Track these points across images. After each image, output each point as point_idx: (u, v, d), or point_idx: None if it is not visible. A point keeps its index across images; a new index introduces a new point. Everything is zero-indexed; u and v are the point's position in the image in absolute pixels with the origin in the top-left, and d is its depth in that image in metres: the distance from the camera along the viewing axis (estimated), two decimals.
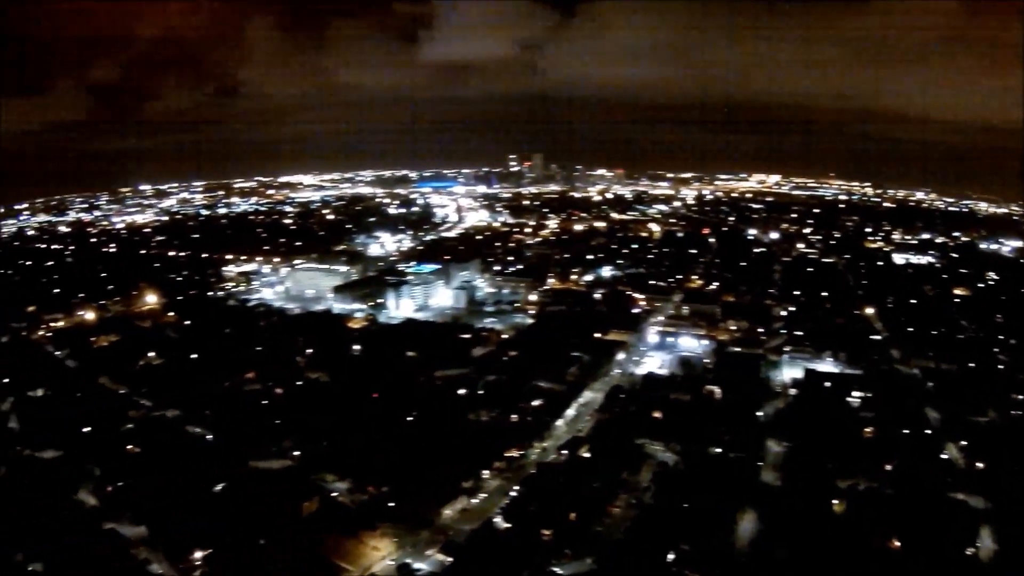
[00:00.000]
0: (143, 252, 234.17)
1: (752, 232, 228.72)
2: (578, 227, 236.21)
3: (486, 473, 76.89)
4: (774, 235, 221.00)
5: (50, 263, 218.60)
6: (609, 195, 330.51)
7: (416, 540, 66.57)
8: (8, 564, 63.69)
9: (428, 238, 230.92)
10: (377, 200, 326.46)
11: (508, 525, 67.40)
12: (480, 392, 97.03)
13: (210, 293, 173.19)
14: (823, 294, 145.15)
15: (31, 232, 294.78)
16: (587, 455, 79.70)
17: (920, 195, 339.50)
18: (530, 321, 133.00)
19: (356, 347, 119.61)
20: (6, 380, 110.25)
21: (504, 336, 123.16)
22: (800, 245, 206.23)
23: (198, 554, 65.19)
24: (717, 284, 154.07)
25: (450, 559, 62.32)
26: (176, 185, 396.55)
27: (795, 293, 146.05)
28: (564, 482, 72.75)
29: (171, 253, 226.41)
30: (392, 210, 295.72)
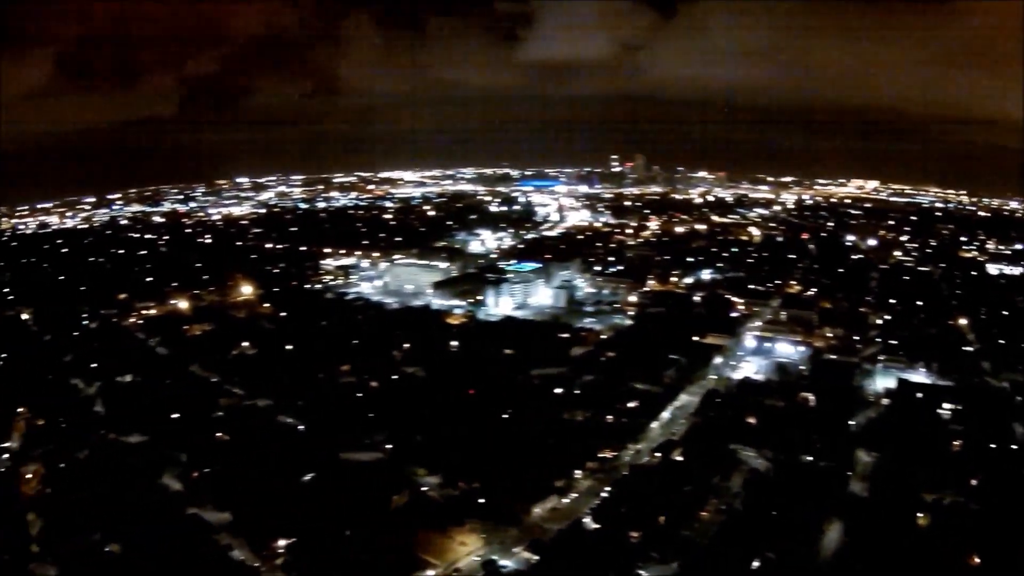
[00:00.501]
0: (239, 243, 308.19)
1: (850, 238, 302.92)
2: (679, 229, 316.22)
3: (578, 473, 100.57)
4: (872, 241, 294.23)
5: (143, 252, 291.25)
6: (710, 198, 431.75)
7: (503, 537, 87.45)
8: (85, 545, 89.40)
9: (529, 236, 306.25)
10: (478, 197, 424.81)
11: (597, 526, 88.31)
12: (576, 392, 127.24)
13: (307, 285, 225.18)
14: (918, 303, 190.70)
15: (124, 221, 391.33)
16: (680, 459, 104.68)
17: (1015, 204, 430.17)
18: (629, 322, 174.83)
19: (454, 343, 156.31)
20: (94, 365, 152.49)
21: (602, 336, 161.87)
22: (897, 252, 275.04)
23: (281, 542, 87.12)
24: (815, 290, 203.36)
25: (536, 557, 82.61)
26: (274, 179, 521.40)
27: (891, 301, 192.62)
28: (655, 485, 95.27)
29: (268, 245, 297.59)
30: (493, 208, 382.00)
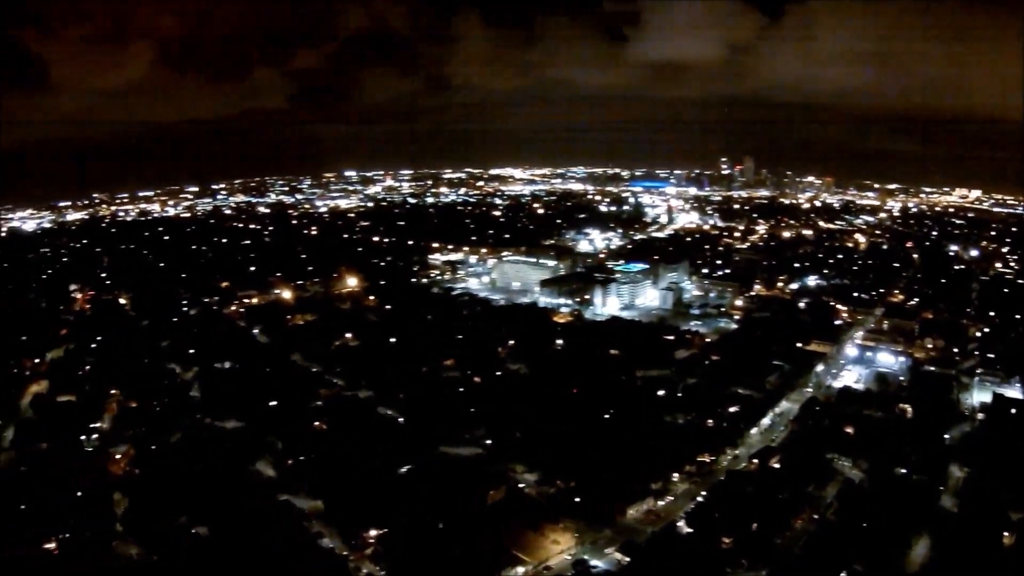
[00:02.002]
0: (346, 236, 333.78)
1: (953, 248, 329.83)
2: (786, 234, 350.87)
3: (676, 476, 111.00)
4: (974, 252, 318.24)
5: (247, 242, 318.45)
6: (817, 203, 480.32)
7: (597, 537, 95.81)
8: (171, 526, 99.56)
9: (638, 237, 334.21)
10: (588, 197, 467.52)
11: (690, 530, 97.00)
12: (679, 394, 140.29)
13: (414, 280, 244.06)
14: (1017, 317, 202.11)
15: (228, 211, 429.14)
16: (777, 466, 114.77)
17: None
18: (734, 326, 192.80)
19: (559, 341, 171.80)
20: (192, 351, 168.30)
21: (707, 340, 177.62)
22: (998, 264, 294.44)
23: (373, 533, 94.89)
24: (917, 300, 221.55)
25: (627, 559, 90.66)
26: (383, 173, 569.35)
27: (990, 314, 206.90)
28: (751, 491, 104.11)
29: (375, 239, 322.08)
30: (603, 207, 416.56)
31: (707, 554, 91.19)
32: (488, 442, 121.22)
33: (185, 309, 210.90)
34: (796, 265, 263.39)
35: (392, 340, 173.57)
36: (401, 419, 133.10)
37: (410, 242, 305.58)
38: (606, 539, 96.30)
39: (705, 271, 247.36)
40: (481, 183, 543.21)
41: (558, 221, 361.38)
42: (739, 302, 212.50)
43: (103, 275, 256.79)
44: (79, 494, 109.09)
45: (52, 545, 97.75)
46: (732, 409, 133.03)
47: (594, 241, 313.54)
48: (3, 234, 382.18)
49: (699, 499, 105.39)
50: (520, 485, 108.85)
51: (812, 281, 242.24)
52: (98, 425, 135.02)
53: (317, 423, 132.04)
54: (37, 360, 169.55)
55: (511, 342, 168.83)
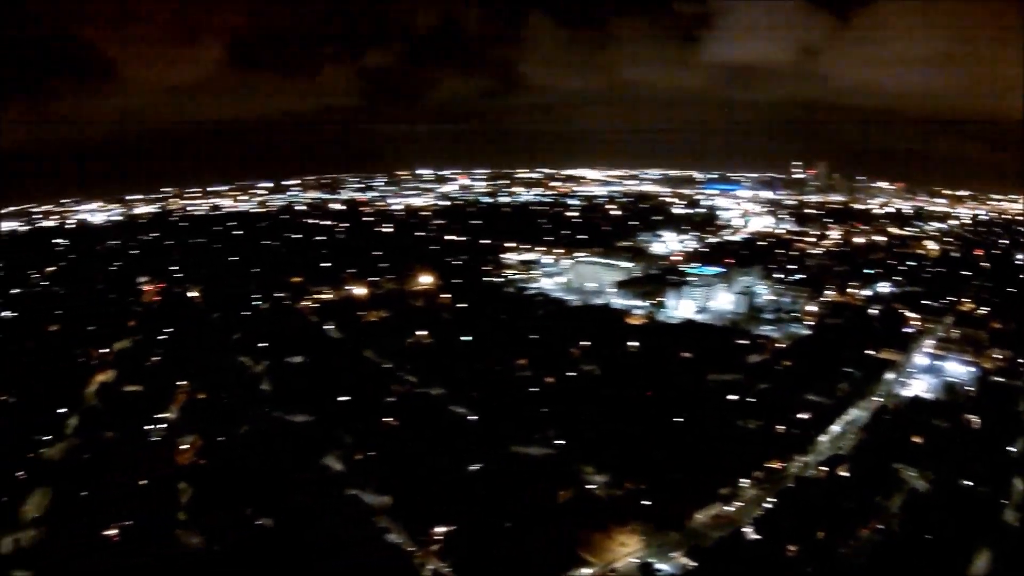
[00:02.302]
0: (420, 234, 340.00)
1: (1020, 257, 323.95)
2: (858, 240, 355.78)
3: (745, 482, 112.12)
4: None
5: (320, 238, 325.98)
6: (889, 209, 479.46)
7: (664, 541, 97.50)
8: (236, 517, 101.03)
9: (712, 240, 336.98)
10: (662, 199, 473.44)
11: (757, 536, 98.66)
12: (750, 399, 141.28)
13: (488, 279, 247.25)
14: None
15: (300, 207, 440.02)
16: (845, 474, 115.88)
17: None
18: (806, 332, 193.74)
19: (632, 343, 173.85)
20: (263, 344, 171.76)
21: (779, 345, 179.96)
22: None
23: (440, 529, 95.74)
24: (987, 309, 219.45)
25: (693, 564, 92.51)
26: (457, 172, 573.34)
27: None
28: (819, 499, 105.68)
29: (449, 237, 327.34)
30: (677, 210, 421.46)
31: (772, 562, 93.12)
32: (559, 442, 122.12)
33: (257, 303, 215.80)
34: (868, 271, 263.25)
35: (465, 338, 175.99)
36: (472, 417, 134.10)
37: (485, 241, 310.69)
38: (673, 543, 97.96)
39: (778, 276, 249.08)
40: (556, 183, 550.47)
41: (633, 222, 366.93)
42: (811, 307, 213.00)
43: (173, 268, 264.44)
44: (143, 483, 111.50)
45: (113, 532, 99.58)
46: (803, 416, 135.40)
47: (668, 243, 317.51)
48: (72, 226, 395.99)
49: (767, 505, 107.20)
50: (589, 486, 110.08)
51: (883, 287, 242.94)
52: (165, 415, 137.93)
53: (388, 419, 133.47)
54: (104, 350, 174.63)
55: (584, 343, 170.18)
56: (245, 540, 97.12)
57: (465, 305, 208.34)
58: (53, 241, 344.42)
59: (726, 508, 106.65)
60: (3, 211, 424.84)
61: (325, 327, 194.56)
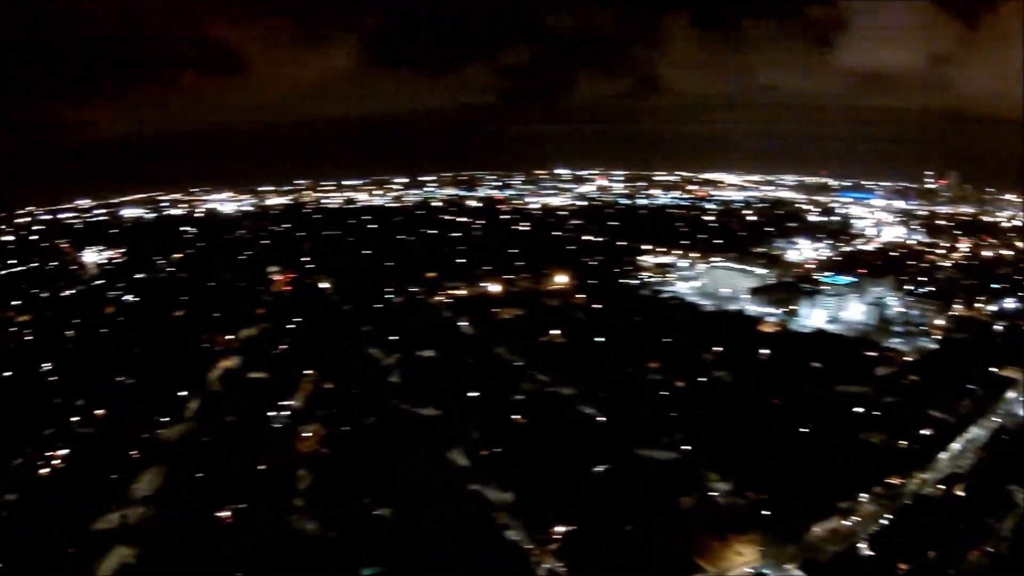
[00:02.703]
0: (557, 233, 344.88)
1: None
2: (986, 253, 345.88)
3: (864, 496, 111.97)
4: None
5: (456, 234, 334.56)
6: (1016, 222, 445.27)
7: (780, 552, 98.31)
8: (353, 505, 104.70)
9: (845, 249, 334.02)
10: (797, 205, 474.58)
11: (871, 553, 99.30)
12: (875, 413, 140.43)
13: (623, 280, 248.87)
14: None
15: (436, 204, 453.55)
16: (961, 494, 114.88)
17: None
18: (933, 346, 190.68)
19: (763, 351, 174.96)
20: (394, 338, 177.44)
21: (906, 358, 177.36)
22: None
23: (559, 528, 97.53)
24: None
25: None
26: (595, 172, 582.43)
27: None
28: (933, 518, 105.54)
29: (586, 237, 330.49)
30: (812, 217, 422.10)
31: None
32: (685, 447, 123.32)
33: (389, 297, 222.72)
34: (995, 286, 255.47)
35: (598, 339, 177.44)
36: (601, 418, 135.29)
37: (621, 243, 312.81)
38: (789, 555, 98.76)
39: (909, 287, 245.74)
40: (693, 187, 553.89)
41: (768, 228, 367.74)
42: (939, 321, 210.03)
43: (304, 259, 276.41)
44: (261, 468, 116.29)
45: (226, 514, 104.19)
46: (924, 431, 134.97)
47: (802, 251, 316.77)
48: (201, 215, 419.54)
49: (883, 522, 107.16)
50: (711, 493, 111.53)
51: (1010, 303, 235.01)
52: (289, 403, 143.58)
53: (516, 416, 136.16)
54: (230, 337, 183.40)
55: (717, 348, 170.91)
56: (361, 529, 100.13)
57: (599, 306, 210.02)
58: (181, 229, 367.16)
59: (844, 522, 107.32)
60: (129, 198, 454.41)
61: (458, 323, 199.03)
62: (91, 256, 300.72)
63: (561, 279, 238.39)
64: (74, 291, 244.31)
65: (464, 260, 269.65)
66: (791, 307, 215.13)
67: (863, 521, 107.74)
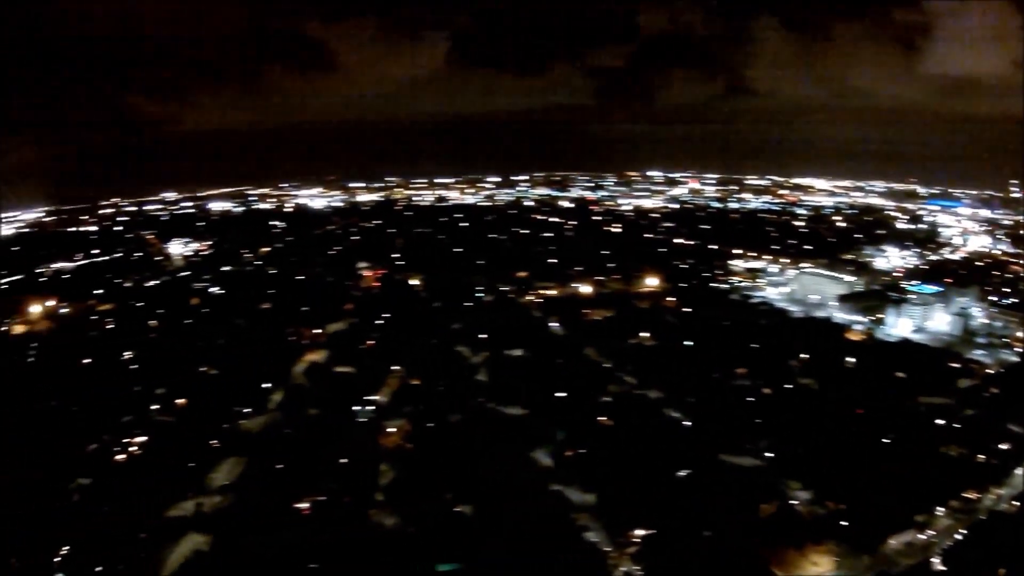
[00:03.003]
0: (649, 236, 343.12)
1: None
2: None
3: (940, 510, 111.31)
4: None
5: (547, 234, 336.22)
6: None
7: (854, 564, 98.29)
8: (434, 501, 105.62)
9: (932, 258, 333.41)
10: (886, 212, 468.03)
11: (943, 568, 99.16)
12: (956, 425, 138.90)
13: (714, 284, 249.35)
14: None
15: (528, 203, 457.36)
16: None
17: None
18: (1015, 359, 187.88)
19: (849, 359, 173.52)
20: (483, 336, 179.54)
21: (989, 371, 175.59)
22: None
23: (639, 532, 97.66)
24: None
25: None
26: (688, 175, 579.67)
27: None
28: (1005, 535, 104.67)
29: (678, 240, 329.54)
30: (900, 224, 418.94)
31: None
32: (769, 455, 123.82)
33: (480, 295, 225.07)
34: None
35: (687, 343, 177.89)
36: (686, 423, 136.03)
37: (712, 246, 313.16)
38: (863, 567, 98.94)
39: (993, 298, 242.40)
40: (784, 191, 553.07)
41: (857, 235, 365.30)
42: (1021, 333, 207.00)
43: (395, 256, 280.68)
44: (342, 461, 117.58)
45: (304, 506, 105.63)
46: (1003, 446, 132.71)
47: (891, 259, 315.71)
48: (290, 210, 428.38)
49: (957, 537, 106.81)
50: (792, 502, 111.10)
51: None
52: (375, 398, 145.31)
53: (602, 418, 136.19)
54: (317, 331, 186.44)
55: (804, 356, 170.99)
56: (440, 525, 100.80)
57: (689, 310, 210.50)
58: (269, 223, 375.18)
59: (919, 536, 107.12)
60: (217, 191, 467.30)
61: (548, 323, 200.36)
62: (177, 248, 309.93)
63: (652, 281, 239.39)
64: (159, 282, 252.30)
65: (555, 260, 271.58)
66: (878, 315, 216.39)
67: (938, 535, 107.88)
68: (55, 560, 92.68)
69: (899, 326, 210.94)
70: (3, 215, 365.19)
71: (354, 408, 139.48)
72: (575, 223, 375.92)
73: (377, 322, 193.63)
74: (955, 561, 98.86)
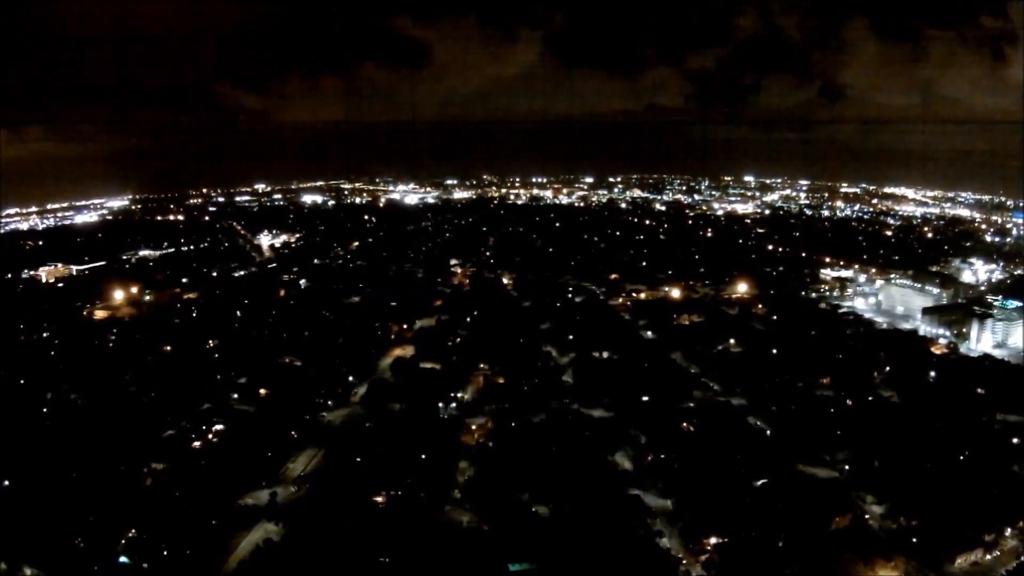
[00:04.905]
0: (740, 241, 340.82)
1: None
2: None
3: (1008, 531, 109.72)
4: None
5: (640, 237, 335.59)
6: None
7: None
8: (511, 500, 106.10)
9: (1017, 272, 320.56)
10: (975, 224, 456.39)
11: None
12: None
13: (803, 292, 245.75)
14: None
15: (623, 205, 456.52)
16: None
17: None
18: None
19: (932, 373, 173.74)
20: (571, 337, 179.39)
21: None
22: None
23: (713, 539, 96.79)
24: None
25: None
26: (780, 180, 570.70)
27: None
28: None
29: (769, 247, 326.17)
30: (988, 237, 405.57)
31: None
32: (846, 467, 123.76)
33: (570, 296, 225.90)
34: None
35: (774, 351, 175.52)
36: (768, 431, 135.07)
37: (803, 254, 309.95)
38: None
39: None
40: (875, 200, 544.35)
41: (945, 247, 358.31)
42: None
43: (487, 253, 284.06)
44: (422, 456, 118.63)
45: (380, 499, 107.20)
46: None
47: (977, 272, 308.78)
48: (383, 204, 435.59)
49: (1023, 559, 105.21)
50: (866, 516, 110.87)
51: None
52: (459, 395, 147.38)
53: (685, 424, 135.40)
54: (405, 326, 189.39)
55: (887, 368, 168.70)
56: (516, 523, 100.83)
57: (777, 318, 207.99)
58: (362, 217, 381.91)
59: (986, 555, 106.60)
60: (309, 184, 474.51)
61: (637, 326, 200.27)
62: (266, 239, 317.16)
63: (742, 288, 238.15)
64: (246, 272, 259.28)
65: (647, 263, 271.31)
66: (962, 329, 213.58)
67: (1003, 556, 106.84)
68: (121, 542, 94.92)
69: (981, 341, 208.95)
70: (89, 202, 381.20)
71: (438, 404, 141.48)
72: (668, 227, 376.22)
73: (466, 319, 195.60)
74: None
